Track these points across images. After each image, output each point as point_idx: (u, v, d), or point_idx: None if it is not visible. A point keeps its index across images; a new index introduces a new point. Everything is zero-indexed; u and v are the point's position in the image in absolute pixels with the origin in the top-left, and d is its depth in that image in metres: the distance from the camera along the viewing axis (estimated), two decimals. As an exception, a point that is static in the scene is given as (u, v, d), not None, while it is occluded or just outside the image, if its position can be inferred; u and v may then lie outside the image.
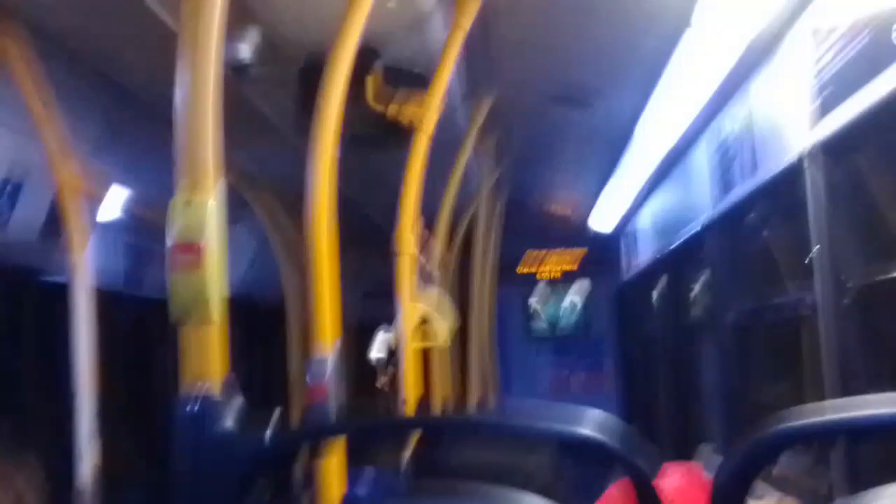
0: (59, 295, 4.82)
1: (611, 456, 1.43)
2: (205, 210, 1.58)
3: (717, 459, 5.72)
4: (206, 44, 1.67)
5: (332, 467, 2.66)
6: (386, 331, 4.12)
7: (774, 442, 1.47)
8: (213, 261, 1.57)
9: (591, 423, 1.46)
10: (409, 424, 1.49)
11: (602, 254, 10.62)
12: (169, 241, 1.58)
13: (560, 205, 9.30)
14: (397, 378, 3.78)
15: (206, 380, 1.52)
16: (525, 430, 1.49)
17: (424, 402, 4.79)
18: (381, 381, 4.02)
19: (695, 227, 5.75)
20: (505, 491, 1.43)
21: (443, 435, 1.66)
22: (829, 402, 1.53)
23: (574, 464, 1.83)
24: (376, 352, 4.01)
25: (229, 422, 1.48)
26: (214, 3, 1.61)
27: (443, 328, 4.47)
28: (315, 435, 1.54)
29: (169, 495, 1.49)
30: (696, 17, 4.07)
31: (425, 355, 4.86)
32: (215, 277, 1.57)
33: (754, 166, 4.41)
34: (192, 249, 1.58)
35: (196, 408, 1.47)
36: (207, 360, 1.54)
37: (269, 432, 1.44)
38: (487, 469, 1.71)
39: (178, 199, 1.58)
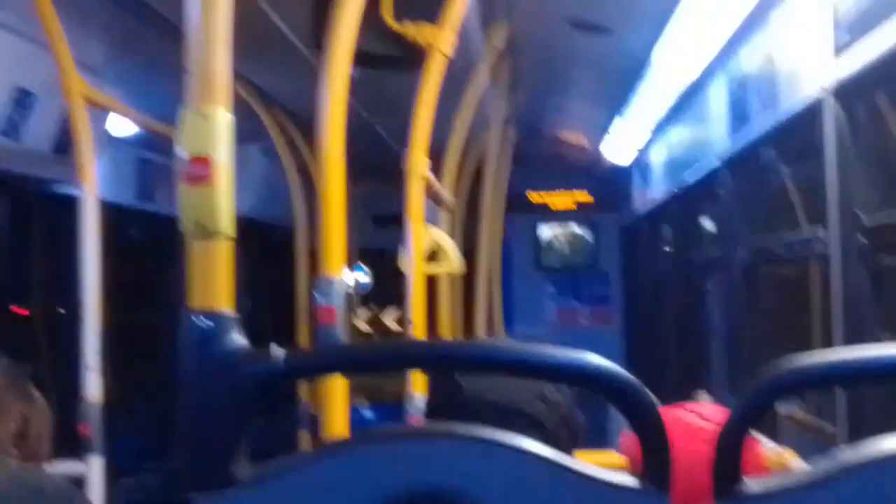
0: (70, 206, 4.81)
1: (625, 388, 1.40)
2: (216, 123, 1.54)
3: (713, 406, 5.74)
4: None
5: (337, 392, 2.66)
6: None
7: (778, 386, 1.45)
8: (224, 174, 1.53)
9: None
10: (438, 353, 1.46)
11: (614, 187, 10.57)
12: (179, 154, 1.54)
13: (574, 134, 9.23)
14: (405, 304, 3.76)
15: (214, 295, 1.49)
16: (536, 362, 1.46)
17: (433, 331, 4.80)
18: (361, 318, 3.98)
19: (709, 163, 5.70)
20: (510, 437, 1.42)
21: (453, 367, 1.64)
22: (835, 350, 1.51)
23: (582, 406, 1.82)
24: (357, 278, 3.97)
25: (239, 338, 1.45)
26: None
27: (456, 253, 4.44)
28: (333, 358, 1.51)
29: (176, 416, 1.47)
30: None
31: (431, 284, 4.85)
32: (226, 191, 1.53)
33: (772, 102, 4.35)
34: (202, 162, 1.54)
35: (205, 323, 1.44)
36: (216, 275, 1.51)
37: (281, 351, 1.42)
38: (496, 408, 1.70)
39: (188, 111, 1.54)
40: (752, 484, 1.39)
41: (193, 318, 1.50)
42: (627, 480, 1.40)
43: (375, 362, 1.56)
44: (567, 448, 1.73)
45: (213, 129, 1.56)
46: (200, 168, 1.55)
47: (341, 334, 2.67)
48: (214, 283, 1.54)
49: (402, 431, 1.50)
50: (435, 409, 1.78)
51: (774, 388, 1.46)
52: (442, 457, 1.42)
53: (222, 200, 1.55)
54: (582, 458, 1.48)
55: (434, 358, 1.54)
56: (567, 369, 1.47)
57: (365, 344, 1.53)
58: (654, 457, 1.42)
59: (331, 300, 2.64)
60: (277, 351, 1.44)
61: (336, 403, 2.61)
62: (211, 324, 1.49)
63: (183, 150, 1.56)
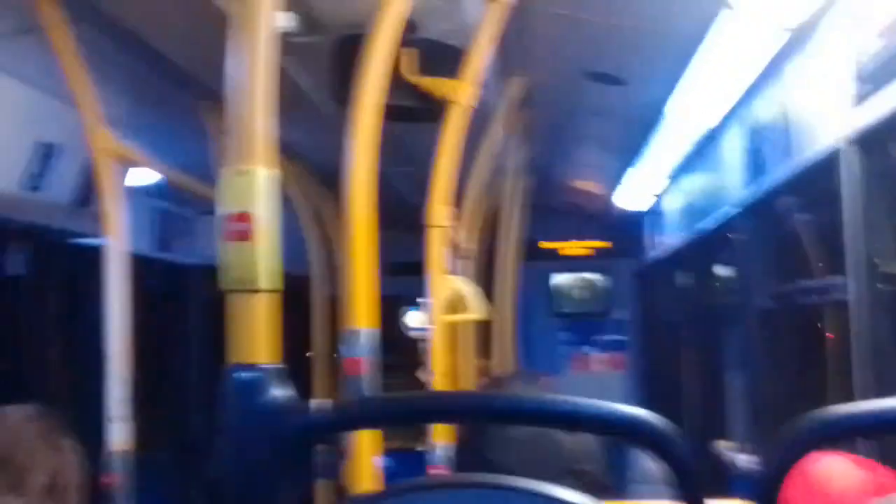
0: (91, 259, 4.86)
1: (664, 442, 1.41)
2: (256, 179, 1.58)
3: (732, 454, 5.72)
4: (259, 13, 1.66)
5: (366, 444, 2.68)
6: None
7: (810, 439, 1.45)
8: (265, 230, 1.57)
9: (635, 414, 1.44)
10: (481, 405, 1.47)
11: (629, 234, 10.59)
12: (220, 211, 1.58)
13: (588, 183, 9.28)
14: (426, 354, 3.78)
15: (255, 348, 1.52)
16: (573, 413, 1.47)
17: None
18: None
19: (724, 210, 5.72)
20: (552, 488, 1.42)
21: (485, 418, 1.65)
22: (870, 402, 1.50)
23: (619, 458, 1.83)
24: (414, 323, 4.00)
25: (281, 390, 1.48)
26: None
27: (478, 301, 4.46)
28: (376, 410, 1.53)
29: (214, 467, 1.48)
30: (735, -3, 4.05)
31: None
32: (267, 247, 1.56)
33: (788, 152, 4.38)
34: (243, 219, 1.58)
35: (244, 376, 1.47)
36: (257, 329, 1.54)
37: (322, 403, 1.43)
38: (533, 460, 1.71)
39: (229, 168, 1.58)
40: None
41: (231, 371, 1.52)
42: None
43: (419, 415, 1.57)
44: (600, 495, 1.74)
45: (254, 185, 1.59)
46: (241, 224, 1.59)
47: (368, 386, 2.70)
48: (255, 337, 1.57)
49: (444, 482, 1.51)
50: (461, 459, 1.80)
51: (808, 439, 1.46)
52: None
53: (264, 256, 1.58)
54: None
55: (478, 409, 1.55)
56: (608, 420, 1.47)
57: (402, 397, 1.55)
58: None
59: (358, 351, 2.67)
60: (318, 403, 1.46)
61: (365, 454, 2.63)
62: (250, 377, 1.51)
63: (223, 207, 1.60)
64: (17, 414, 2.27)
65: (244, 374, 1.51)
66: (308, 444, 1.47)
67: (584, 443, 1.76)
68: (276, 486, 1.47)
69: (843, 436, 1.68)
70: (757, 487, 1.42)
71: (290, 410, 1.49)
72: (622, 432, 1.49)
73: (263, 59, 1.64)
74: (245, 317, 1.58)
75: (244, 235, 1.59)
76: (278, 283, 1.61)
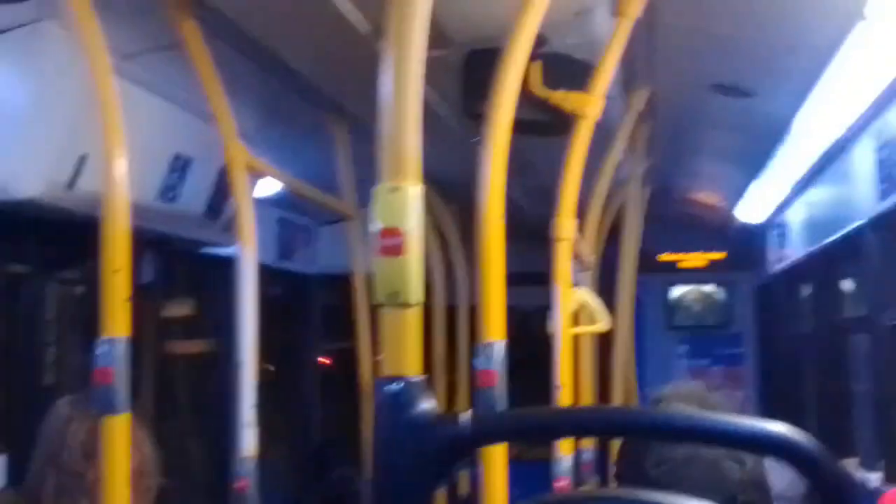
0: (223, 267, 4.99)
1: (812, 461, 1.40)
2: (407, 196, 1.62)
3: (862, 473, 5.59)
4: (411, 32, 1.71)
5: (499, 455, 2.70)
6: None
7: None
8: (415, 245, 1.61)
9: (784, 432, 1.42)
10: (626, 421, 1.49)
11: (748, 246, 10.42)
12: (374, 227, 1.63)
13: (708, 194, 9.16)
14: (552, 368, 3.79)
15: (405, 363, 1.56)
16: (723, 430, 1.47)
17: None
18: None
19: (853, 223, 5.61)
20: None
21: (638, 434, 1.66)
22: None
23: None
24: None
25: (429, 403, 1.52)
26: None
27: (604, 312, 4.45)
28: (520, 423, 1.55)
29: (371, 479, 1.53)
30: (870, 9, 3.97)
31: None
32: (416, 262, 1.61)
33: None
34: (395, 234, 1.62)
35: (396, 389, 1.51)
36: (407, 342, 1.58)
37: (468, 416, 1.47)
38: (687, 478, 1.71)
39: (383, 186, 1.63)
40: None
41: (386, 383, 1.56)
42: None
43: (562, 429, 1.59)
44: None
45: (405, 201, 1.63)
46: (394, 239, 1.63)
47: (498, 398, 2.72)
48: (405, 350, 1.61)
49: (594, 496, 1.53)
50: (622, 474, 1.80)
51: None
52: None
53: (414, 270, 1.62)
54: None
55: (618, 425, 1.56)
56: (750, 436, 1.46)
57: (558, 410, 1.56)
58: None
59: (491, 364, 2.70)
60: (464, 416, 1.49)
61: (497, 466, 2.65)
62: (402, 389, 1.55)
63: (377, 223, 1.64)
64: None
65: (395, 387, 1.55)
66: (454, 456, 1.50)
67: (752, 471, 1.74)
68: (427, 495, 1.50)
69: None
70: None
71: (439, 422, 1.53)
72: (769, 450, 1.48)
73: (414, 78, 1.68)
74: (396, 330, 1.62)
75: (396, 251, 1.63)
76: (423, 297, 1.65)
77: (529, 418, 1.70)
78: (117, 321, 2.74)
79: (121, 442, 2.62)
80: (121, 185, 2.85)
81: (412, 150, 1.67)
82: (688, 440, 1.65)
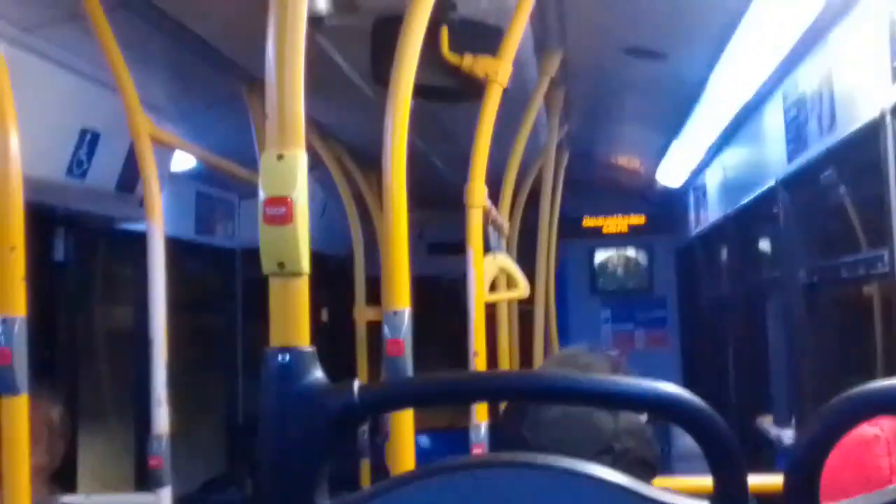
0: (136, 243, 4.91)
1: (701, 418, 1.40)
2: (295, 164, 1.59)
3: (776, 429, 5.70)
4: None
5: (405, 423, 2.69)
6: None
7: (855, 411, 1.44)
8: (302, 214, 1.58)
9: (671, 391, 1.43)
10: (516, 384, 1.48)
11: (670, 210, 10.55)
12: (261, 195, 1.59)
13: (627, 158, 9.23)
14: (468, 335, 3.79)
15: (294, 331, 1.54)
16: (609, 391, 1.47)
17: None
18: None
19: (766, 184, 5.68)
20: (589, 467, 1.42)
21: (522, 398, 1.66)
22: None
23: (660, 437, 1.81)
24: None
25: (319, 373, 1.50)
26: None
27: (522, 279, 4.46)
28: (411, 391, 1.54)
29: (257, 450, 1.51)
30: (777, -31, 4.00)
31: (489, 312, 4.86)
32: (303, 231, 1.58)
33: (832, 123, 4.34)
34: (283, 203, 1.59)
35: (285, 359, 1.49)
36: (296, 312, 1.56)
37: (358, 384, 1.45)
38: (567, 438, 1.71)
39: (269, 154, 1.59)
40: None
41: (274, 354, 1.54)
42: (704, 508, 1.39)
43: (452, 395, 1.58)
44: (644, 472, 1.74)
45: (292, 170, 1.60)
46: (279, 208, 1.60)
47: (407, 366, 2.71)
48: (294, 320, 1.58)
49: (482, 461, 1.52)
50: (500, 439, 1.80)
51: (851, 412, 1.45)
52: (512, 485, 1.43)
53: (300, 239, 1.59)
54: (667, 483, 1.48)
55: (512, 389, 1.56)
56: (639, 397, 1.47)
57: (441, 377, 1.56)
58: (731, 486, 1.41)
59: (398, 332, 2.68)
60: (355, 385, 1.47)
61: (403, 434, 2.64)
62: (291, 359, 1.53)
63: (263, 192, 1.61)
64: None
65: (285, 357, 1.53)
66: (347, 426, 1.48)
67: (626, 420, 1.76)
68: (317, 466, 1.49)
69: (886, 410, 1.67)
70: (799, 463, 1.41)
71: (330, 392, 1.51)
72: (655, 409, 1.49)
73: (297, 43, 1.65)
74: (284, 300, 1.59)
75: (283, 220, 1.60)
76: (308, 267, 1.63)
77: (415, 386, 1.69)
78: (13, 300, 2.67)
79: (20, 423, 2.57)
80: (14, 159, 2.77)
81: (297, 117, 1.64)
82: (576, 402, 1.65)
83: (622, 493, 1.40)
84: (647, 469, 1.76)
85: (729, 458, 1.42)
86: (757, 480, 1.61)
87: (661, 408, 1.45)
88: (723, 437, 1.43)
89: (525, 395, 1.63)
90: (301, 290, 1.60)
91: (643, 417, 1.78)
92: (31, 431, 2.54)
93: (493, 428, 1.68)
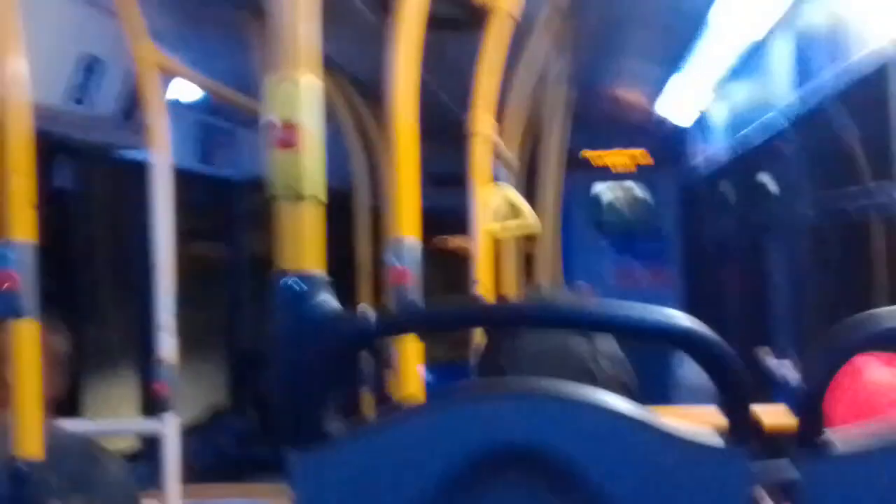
0: (139, 172, 4.89)
1: (710, 348, 1.40)
2: (305, 89, 1.58)
3: (775, 362, 5.72)
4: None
5: (410, 354, 2.71)
6: None
7: (854, 342, 1.44)
8: (313, 139, 1.57)
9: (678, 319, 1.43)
10: (525, 312, 1.48)
11: (674, 146, 10.48)
12: (267, 120, 1.58)
13: (632, 94, 9.16)
14: (471, 264, 3.79)
15: (305, 257, 1.53)
16: (620, 318, 1.47)
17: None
18: None
19: (772, 121, 5.65)
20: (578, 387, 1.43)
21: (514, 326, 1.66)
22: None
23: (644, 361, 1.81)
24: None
25: (330, 299, 1.50)
26: None
27: (528, 211, 4.43)
28: (422, 317, 1.54)
29: (271, 373, 1.52)
30: None
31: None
32: (314, 155, 1.57)
33: (839, 58, 4.30)
34: (292, 128, 1.58)
35: (297, 284, 1.49)
36: (307, 237, 1.56)
37: (370, 310, 1.45)
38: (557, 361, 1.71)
39: (275, 78, 1.58)
40: (839, 443, 1.38)
41: (286, 279, 1.54)
42: (711, 439, 1.40)
43: (461, 320, 1.59)
44: (624, 395, 1.74)
45: (302, 95, 1.59)
46: (290, 133, 1.59)
47: (415, 294, 2.71)
48: (305, 246, 1.58)
49: (486, 388, 1.53)
50: (480, 370, 1.80)
51: (851, 343, 1.45)
52: (523, 413, 1.43)
53: (312, 165, 1.58)
54: (668, 412, 1.49)
55: (513, 315, 1.56)
56: (652, 326, 1.46)
57: (449, 303, 1.56)
58: (739, 416, 1.41)
59: (404, 261, 2.68)
60: (367, 310, 1.48)
61: (410, 364, 2.66)
62: (303, 285, 1.53)
63: (272, 116, 1.60)
64: None
65: (293, 281, 1.54)
66: (353, 350, 1.49)
67: (602, 345, 1.75)
68: (324, 389, 1.49)
69: (886, 339, 1.67)
70: (802, 394, 1.42)
71: (337, 317, 1.52)
72: (664, 337, 1.49)
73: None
74: (293, 224, 1.59)
75: (290, 143, 1.59)
76: (323, 193, 1.62)
77: (423, 312, 1.69)
78: (21, 224, 2.67)
79: (29, 345, 2.58)
80: (19, 84, 2.75)
81: (309, 40, 1.63)
82: (580, 327, 1.65)
83: (632, 422, 1.40)
84: (626, 393, 1.76)
85: (738, 390, 1.42)
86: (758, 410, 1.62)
87: (675, 338, 1.45)
88: (733, 370, 1.42)
89: (530, 321, 1.62)
90: (312, 215, 1.60)
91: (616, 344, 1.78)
92: None
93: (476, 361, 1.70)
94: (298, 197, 1.59)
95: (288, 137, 1.57)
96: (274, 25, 1.62)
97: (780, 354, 5.73)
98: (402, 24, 2.77)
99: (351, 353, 1.48)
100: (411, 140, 2.76)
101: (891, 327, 1.44)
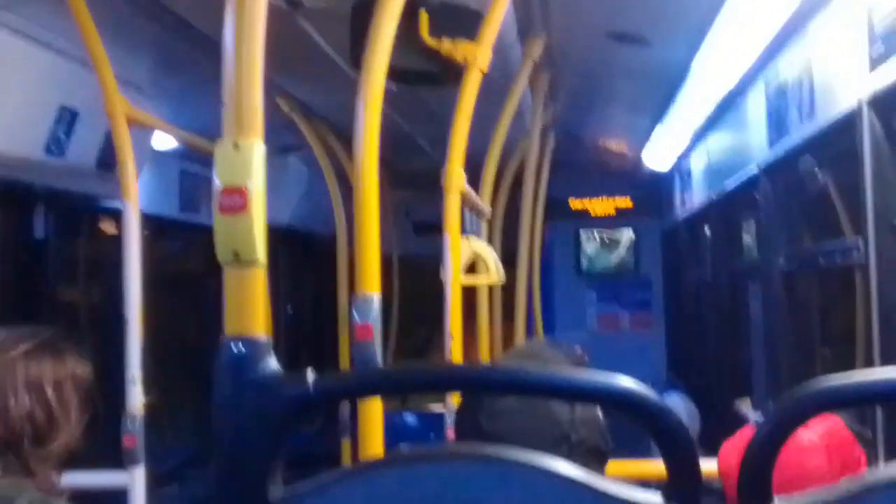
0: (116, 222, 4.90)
1: (654, 412, 1.42)
2: (252, 153, 1.58)
3: (753, 413, 5.73)
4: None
5: (372, 410, 2.70)
6: None
7: (807, 406, 1.45)
8: (258, 204, 1.58)
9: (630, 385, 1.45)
10: (464, 377, 1.49)
11: (656, 193, 10.54)
12: (215, 184, 1.58)
13: (613, 142, 9.22)
14: (444, 317, 3.80)
15: (250, 321, 1.53)
16: (564, 385, 1.49)
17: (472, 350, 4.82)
18: None
19: (748, 170, 5.69)
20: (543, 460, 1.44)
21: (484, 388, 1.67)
22: (869, 371, 1.49)
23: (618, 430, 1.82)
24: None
25: (273, 363, 1.50)
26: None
27: (497, 264, 4.45)
28: (362, 382, 1.55)
29: (213, 439, 1.52)
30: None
31: (471, 295, 4.86)
32: (260, 220, 1.58)
33: (811, 111, 4.34)
34: (238, 193, 1.58)
35: (239, 348, 1.49)
36: (251, 301, 1.56)
37: (312, 375, 1.46)
38: (525, 429, 1.72)
39: (224, 141, 1.59)
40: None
41: (229, 343, 1.54)
42: (652, 499, 1.41)
43: (403, 385, 1.59)
44: (597, 461, 1.75)
45: (248, 159, 1.59)
46: (236, 198, 1.59)
47: (377, 351, 2.71)
48: (250, 310, 1.58)
49: (428, 453, 1.53)
50: (459, 427, 1.81)
51: (803, 407, 1.46)
52: (467, 477, 1.44)
53: (257, 229, 1.59)
54: (620, 467, 1.49)
55: (461, 381, 1.57)
56: (596, 391, 1.48)
57: (393, 368, 1.56)
58: (684, 480, 1.42)
59: (367, 317, 2.68)
60: (309, 375, 1.48)
61: (371, 420, 2.65)
62: (245, 349, 1.53)
63: (218, 181, 1.60)
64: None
65: (239, 346, 1.53)
66: (297, 416, 1.49)
67: (582, 410, 1.77)
68: (271, 456, 1.49)
69: (831, 407, 1.68)
70: (753, 451, 1.43)
71: (285, 382, 1.51)
72: (610, 403, 1.51)
73: (255, 29, 1.64)
74: (239, 289, 1.59)
75: (237, 209, 1.59)
76: (265, 256, 1.62)
77: (371, 376, 1.70)
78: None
79: None
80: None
81: (254, 106, 1.63)
82: (531, 394, 1.67)
83: (577, 487, 1.41)
84: (599, 457, 1.77)
85: (681, 451, 1.44)
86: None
87: (616, 402, 1.47)
88: (675, 431, 1.44)
89: (481, 387, 1.64)
90: (257, 279, 1.60)
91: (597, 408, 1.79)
92: None
93: (456, 413, 1.70)
94: (245, 261, 1.59)
95: (231, 202, 1.57)
96: (224, 90, 1.64)
97: (757, 405, 5.73)
98: (369, 77, 2.79)
99: (295, 419, 1.49)
100: (372, 193, 2.76)
101: (835, 396, 1.45)
